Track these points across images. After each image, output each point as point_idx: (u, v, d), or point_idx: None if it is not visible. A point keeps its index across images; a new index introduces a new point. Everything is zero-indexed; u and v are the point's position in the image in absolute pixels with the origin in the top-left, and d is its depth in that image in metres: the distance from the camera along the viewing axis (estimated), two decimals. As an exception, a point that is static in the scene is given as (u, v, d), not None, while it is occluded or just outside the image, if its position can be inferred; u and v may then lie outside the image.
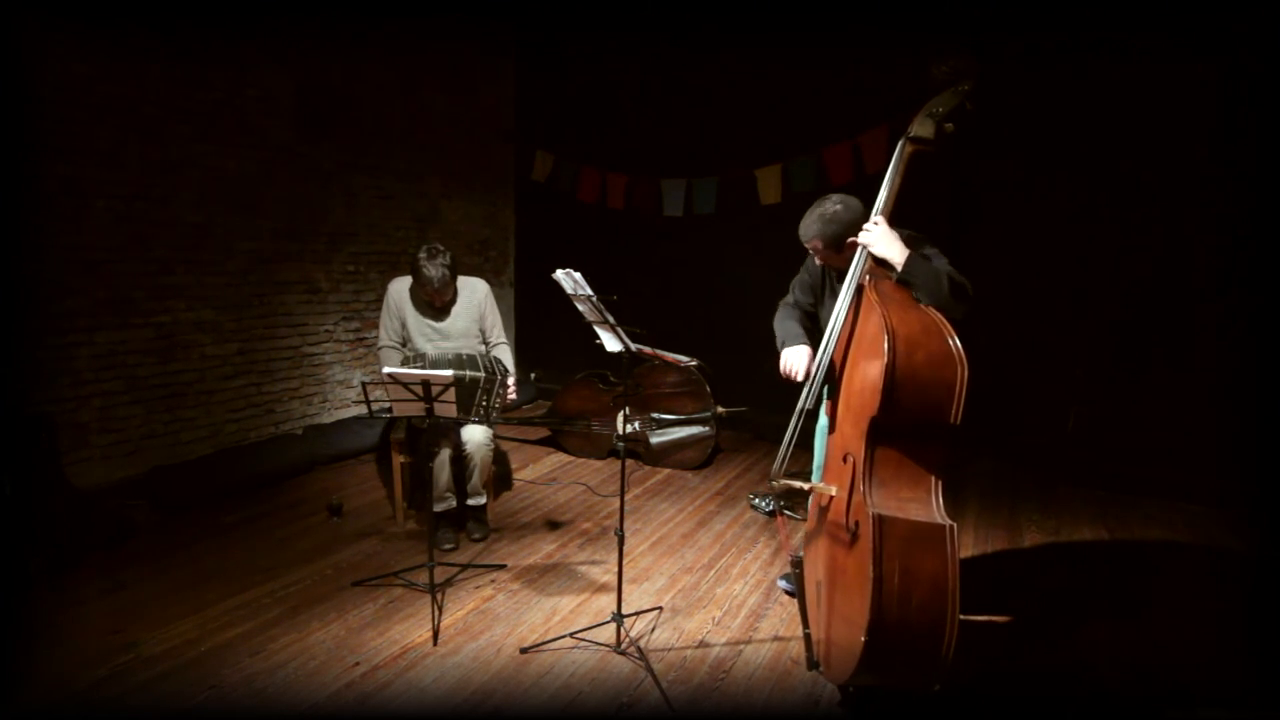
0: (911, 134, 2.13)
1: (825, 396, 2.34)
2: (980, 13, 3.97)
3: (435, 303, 3.22)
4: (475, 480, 3.26)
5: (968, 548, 3.28)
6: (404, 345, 3.28)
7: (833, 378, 2.23)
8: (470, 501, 3.31)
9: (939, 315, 1.94)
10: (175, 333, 3.77)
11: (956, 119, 2.12)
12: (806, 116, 4.65)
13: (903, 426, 1.91)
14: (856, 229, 2.21)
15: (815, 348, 2.33)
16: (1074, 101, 3.95)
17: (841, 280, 2.24)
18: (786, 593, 2.82)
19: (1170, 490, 3.90)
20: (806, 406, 2.23)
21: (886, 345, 1.85)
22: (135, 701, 2.14)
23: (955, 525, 1.83)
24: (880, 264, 2.14)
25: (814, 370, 2.23)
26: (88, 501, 3.14)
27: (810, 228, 2.33)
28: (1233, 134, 3.66)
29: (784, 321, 2.56)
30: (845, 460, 2.04)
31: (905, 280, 2.05)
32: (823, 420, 2.55)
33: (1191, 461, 3.90)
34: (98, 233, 3.42)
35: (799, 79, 4.67)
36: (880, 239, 2.10)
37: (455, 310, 3.29)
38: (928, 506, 1.90)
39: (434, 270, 3.08)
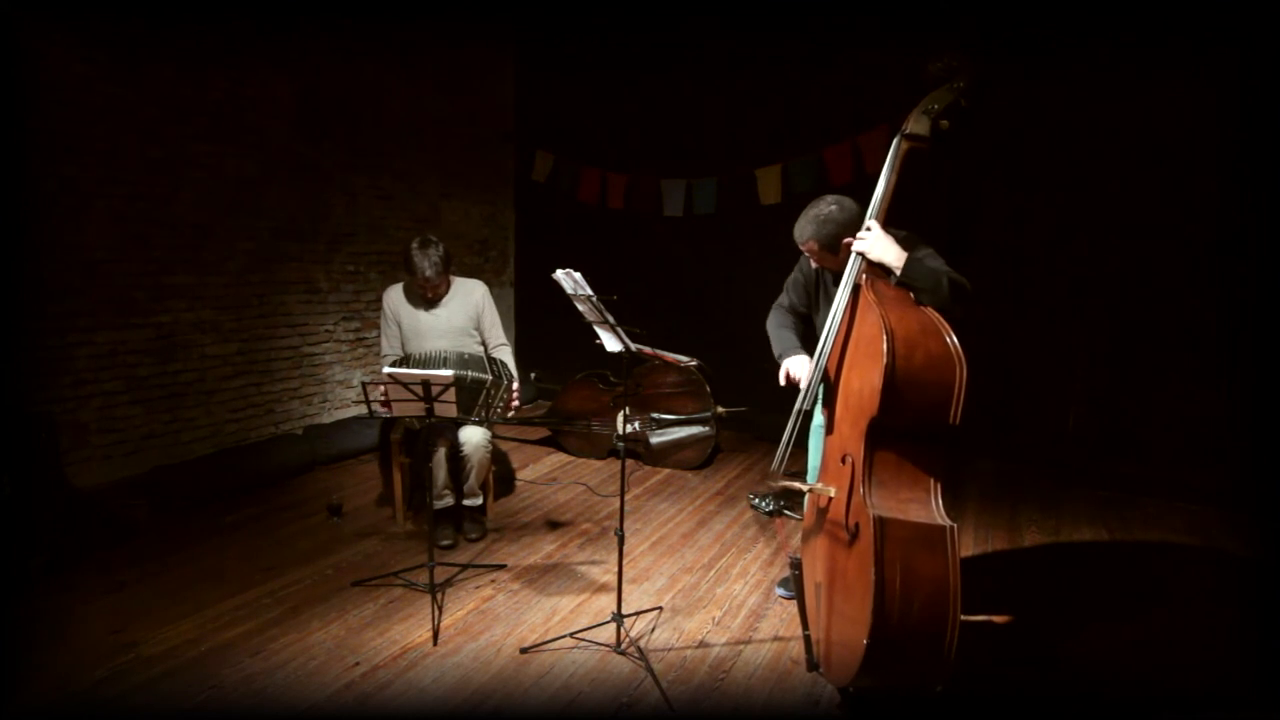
0: (906, 131, 2.12)
1: (821, 397, 2.33)
2: (981, 13, 3.97)
3: (427, 293, 3.20)
4: (472, 482, 3.25)
5: (968, 548, 3.27)
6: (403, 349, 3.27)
7: (829, 378, 2.23)
8: (467, 502, 3.30)
9: (937, 315, 1.93)
10: (175, 333, 3.77)
11: (952, 116, 2.12)
12: (806, 116, 4.65)
13: (902, 427, 1.91)
14: (852, 229, 2.21)
15: (810, 351, 2.32)
16: (1075, 101, 3.95)
17: (836, 282, 2.23)
18: (784, 598, 2.81)
19: (1170, 490, 3.89)
20: (804, 407, 2.22)
21: (885, 346, 1.84)
22: (135, 701, 2.14)
23: (956, 526, 1.83)
24: (876, 267, 2.13)
25: (811, 370, 2.22)
26: (88, 501, 3.14)
27: (805, 229, 2.31)
28: (1235, 133, 3.66)
29: (779, 329, 2.55)
30: (844, 461, 2.04)
31: (905, 283, 2.05)
32: (818, 419, 2.54)
33: (1191, 461, 3.90)
34: (98, 233, 3.43)
35: (799, 79, 4.67)
36: (876, 244, 2.09)
37: (451, 306, 3.28)
38: (927, 507, 1.90)
39: (424, 260, 3.07)
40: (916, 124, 2.11)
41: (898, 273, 2.05)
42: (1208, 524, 3.61)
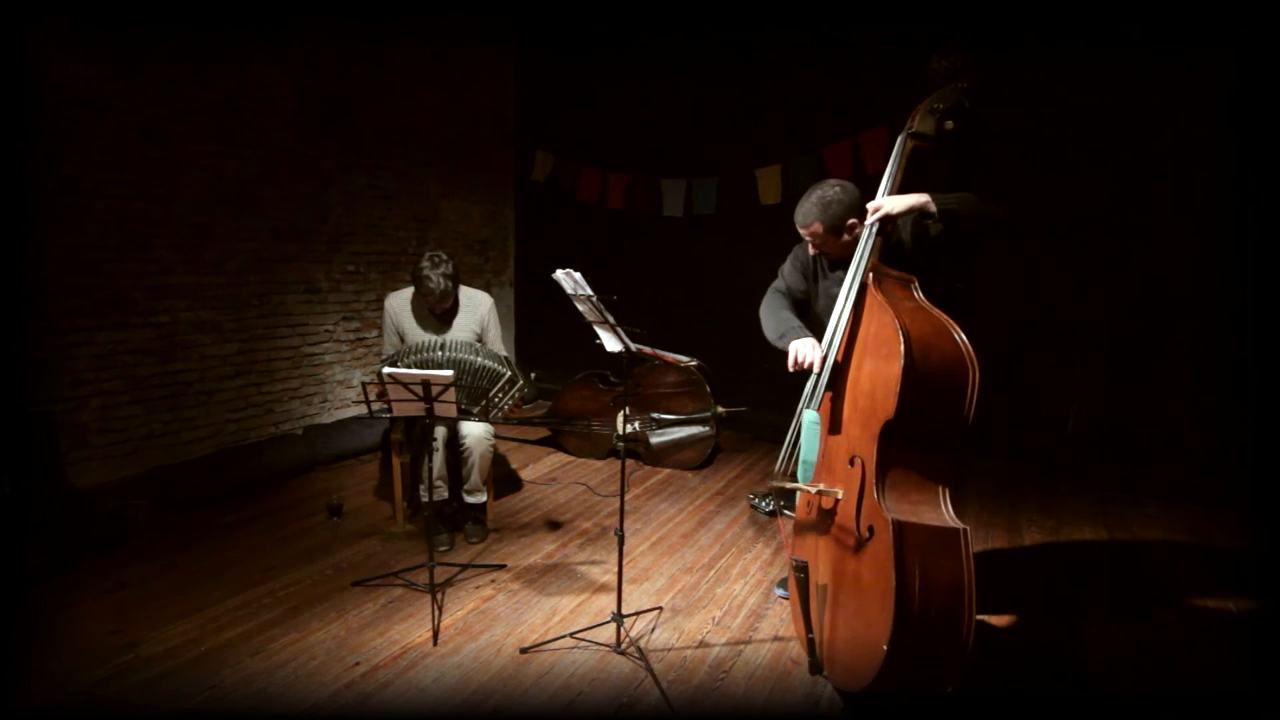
0: (912, 129, 2.11)
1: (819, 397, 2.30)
2: (982, 13, 3.97)
3: (436, 310, 3.22)
4: (475, 478, 3.24)
5: (968, 548, 3.27)
6: None
7: (833, 378, 2.21)
8: (469, 500, 3.29)
9: (945, 315, 1.91)
10: (175, 333, 3.77)
11: (957, 117, 2.11)
12: (806, 116, 4.66)
13: (916, 429, 1.88)
14: (856, 211, 2.18)
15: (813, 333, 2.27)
16: (1075, 102, 3.95)
17: (834, 268, 2.21)
18: (784, 598, 2.81)
19: (1170, 490, 3.90)
20: (809, 407, 2.21)
21: (902, 347, 1.81)
22: (135, 701, 2.14)
23: (968, 528, 1.82)
24: (888, 247, 2.10)
25: (819, 371, 2.17)
26: (88, 501, 3.14)
27: (810, 212, 2.24)
28: (1235, 134, 3.66)
29: (777, 311, 2.42)
30: (853, 463, 2.01)
31: (946, 210, 2.04)
32: (811, 416, 2.49)
33: (1191, 461, 3.90)
34: (98, 233, 3.42)
35: (799, 79, 4.67)
36: (893, 199, 2.08)
37: (457, 322, 3.29)
38: (938, 510, 1.88)
39: (436, 278, 3.08)
40: (922, 123, 2.10)
41: (932, 208, 2.04)
42: (1208, 524, 3.61)
